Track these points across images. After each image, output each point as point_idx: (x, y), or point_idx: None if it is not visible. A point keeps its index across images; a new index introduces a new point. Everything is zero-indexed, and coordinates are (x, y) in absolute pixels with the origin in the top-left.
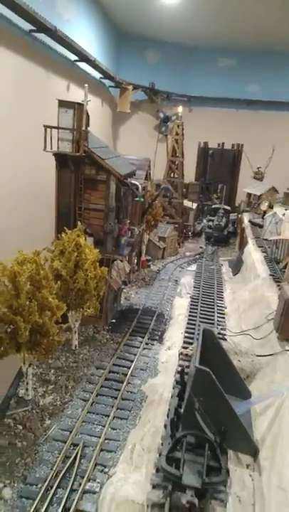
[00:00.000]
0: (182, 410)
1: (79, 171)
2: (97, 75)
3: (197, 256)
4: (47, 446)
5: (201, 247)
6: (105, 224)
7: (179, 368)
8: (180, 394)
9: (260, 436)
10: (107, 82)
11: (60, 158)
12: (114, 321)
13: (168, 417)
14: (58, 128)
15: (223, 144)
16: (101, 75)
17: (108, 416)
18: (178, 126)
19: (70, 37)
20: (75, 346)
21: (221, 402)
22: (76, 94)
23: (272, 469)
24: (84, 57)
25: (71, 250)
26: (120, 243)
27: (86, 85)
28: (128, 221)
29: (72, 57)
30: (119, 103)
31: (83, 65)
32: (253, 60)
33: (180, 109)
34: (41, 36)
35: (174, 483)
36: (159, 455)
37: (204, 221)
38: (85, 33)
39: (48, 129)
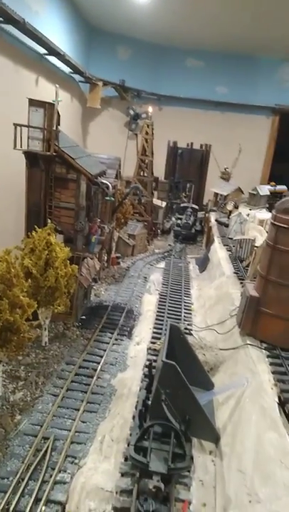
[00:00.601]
0: (150, 402)
1: (49, 170)
2: (66, 69)
3: (166, 253)
4: (18, 440)
5: (169, 245)
6: (76, 222)
7: (147, 363)
8: (148, 387)
9: (221, 425)
10: (76, 77)
11: (31, 157)
12: (84, 317)
13: (136, 408)
14: (28, 126)
15: (192, 143)
16: (71, 70)
17: (78, 410)
18: (148, 125)
19: (39, 30)
20: (45, 343)
21: (185, 393)
22: (45, 88)
23: (232, 454)
24: (53, 51)
25: (42, 248)
26: (91, 241)
27: (57, 85)
28: (98, 220)
29: (42, 50)
30: (89, 98)
31: (53, 59)
32: (221, 63)
33: (150, 108)
34: (9, 28)
35: (142, 470)
36: (128, 445)
37: (173, 219)
38: (54, 27)
39: (18, 127)
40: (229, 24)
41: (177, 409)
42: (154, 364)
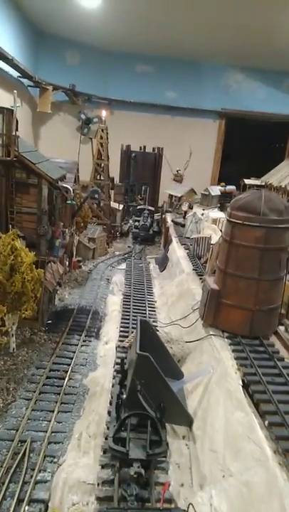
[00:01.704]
0: (125, 395)
1: (9, 175)
2: (14, 73)
3: (126, 255)
4: None
5: (129, 247)
6: (39, 227)
7: (118, 360)
8: (121, 382)
9: (192, 411)
10: (25, 81)
11: None
12: (50, 321)
13: (111, 404)
14: None
15: (144, 147)
16: (19, 74)
17: (53, 411)
18: (102, 130)
19: None
20: (13, 349)
21: (159, 382)
22: None
23: (204, 436)
24: (1, 55)
25: (7, 254)
26: (54, 245)
27: (15, 91)
28: (62, 224)
29: None
30: (39, 103)
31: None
32: (169, 68)
33: (103, 113)
34: None
35: (121, 460)
36: (106, 438)
37: (130, 221)
38: (0, 30)
39: None
40: (176, 31)
41: (152, 398)
42: (124, 360)
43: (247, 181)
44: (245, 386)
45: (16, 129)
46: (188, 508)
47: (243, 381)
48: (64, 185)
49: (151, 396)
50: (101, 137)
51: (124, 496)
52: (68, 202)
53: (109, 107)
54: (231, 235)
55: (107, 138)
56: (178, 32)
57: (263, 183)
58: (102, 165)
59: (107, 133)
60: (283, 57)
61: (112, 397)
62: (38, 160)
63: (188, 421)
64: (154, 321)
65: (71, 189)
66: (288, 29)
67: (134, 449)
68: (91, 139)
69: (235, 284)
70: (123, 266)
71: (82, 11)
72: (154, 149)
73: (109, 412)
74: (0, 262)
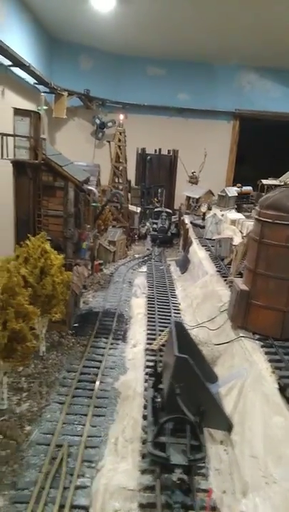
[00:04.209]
0: (160, 398)
1: (37, 179)
2: (31, 80)
3: (146, 258)
4: (31, 451)
5: (148, 249)
6: (65, 230)
7: (148, 363)
8: (155, 385)
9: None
10: (41, 87)
11: (18, 166)
12: (76, 324)
13: (145, 407)
14: (14, 136)
15: (160, 149)
16: (35, 81)
17: (86, 415)
18: (120, 133)
19: (2, 41)
20: (43, 352)
21: (198, 385)
22: (11, 99)
23: (243, 442)
24: (18, 62)
25: (37, 257)
26: (81, 248)
27: (43, 94)
28: (88, 226)
29: (6, 62)
30: (54, 109)
31: (17, 70)
32: (182, 71)
33: (121, 116)
34: None
35: (162, 465)
36: (143, 443)
37: (147, 224)
38: (15, 38)
39: (4, 137)
40: (189, 34)
41: (190, 401)
42: (158, 363)
43: (265, 181)
44: (281, 390)
45: (43, 132)
46: None
47: (278, 384)
48: (89, 187)
49: (189, 399)
50: (119, 140)
51: (169, 503)
52: (93, 204)
53: (123, 111)
54: (261, 234)
55: (125, 141)
56: (190, 33)
57: (283, 183)
58: (120, 168)
59: (125, 136)
60: None
61: (146, 401)
62: (63, 163)
63: (227, 426)
64: None
65: (96, 191)
66: None
67: (175, 454)
68: (109, 142)
69: (266, 284)
70: (144, 268)
71: (95, 16)
72: (168, 152)
73: (144, 416)
74: (30, 264)
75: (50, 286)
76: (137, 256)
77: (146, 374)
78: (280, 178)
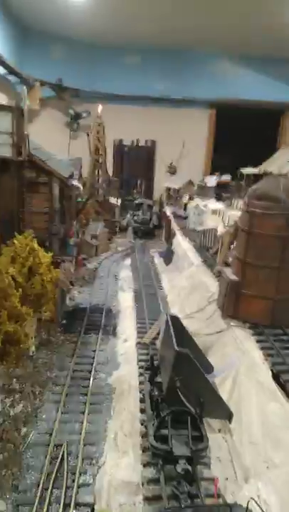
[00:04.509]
0: (157, 392)
1: (19, 175)
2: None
3: (128, 250)
4: (30, 452)
5: (130, 242)
6: (50, 226)
7: (141, 357)
8: (151, 379)
9: None
10: (12, 78)
11: (0, 164)
12: (64, 322)
13: (142, 401)
14: None
15: (137, 140)
16: (6, 71)
17: (83, 413)
18: (99, 124)
19: None
20: (33, 352)
21: (199, 377)
22: None
23: (240, 429)
24: None
25: (25, 255)
26: (68, 244)
27: (24, 87)
28: (75, 222)
29: None
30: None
31: None
32: (157, 59)
33: (100, 107)
34: None
35: (164, 458)
36: (142, 436)
37: (128, 216)
38: None
39: None
40: (164, 19)
41: (190, 393)
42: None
43: (244, 171)
44: (275, 376)
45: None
46: (248, 503)
47: (271, 371)
48: (74, 182)
49: (189, 391)
50: (97, 132)
51: (176, 493)
52: (79, 199)
53: (98, 101)
54: (250, 224)
55: (104, 133)
56: (166, 21)
57: (262, 172)
58: (100, 160)
59: (104, 127)
60: (272, 42)
61: (143, 395)
62: (46, 157)
63: (227, 415)
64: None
65: (81, 187)
66: (276, 14)
67: (178, 446)
68: (88, 134)
69: (256, 273)
70: (128, 261)
71: (67, 4)
72: (146, 142)
73: (142, 410)
74: (18, 264)
75: (40, 285)
76: (120, 249)
77: (141, 368)
78: (259, 167)
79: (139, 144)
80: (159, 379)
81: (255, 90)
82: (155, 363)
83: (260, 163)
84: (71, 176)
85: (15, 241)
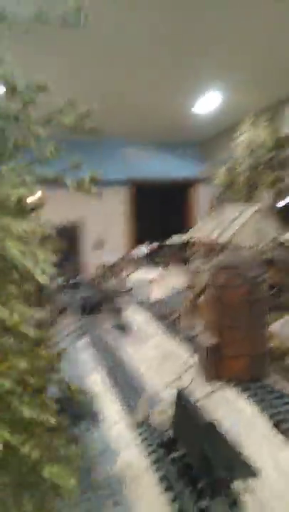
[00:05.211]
0: (181, 465)
1: None
2: None
3: (80, 330)
4: None
5: (79, 319)
6: None
7: (141, 437)
8: (167, 454)
9: None
10: None
11: None
12: None
13: (161, 480)
14: None
15: (65, 223)
16: None
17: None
18: None
19: None
20: None
21: (225, 444)
22: None
23: (263, 485)
24: None
25: None
26: None
27: None
28: None
29: None
30: None
31: None
32: (76, 149)
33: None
34: None
35: None
36: None
37: (64, 297)
38: None
39: None
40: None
41: (220, 461)
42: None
43: (171, 240)
44: (277, 426)
45: None
46: None
47: (272, 422)
48: None
49: (218, 459)
50: None
51: None
52: None
53: None
54: (219, 297)
55: None
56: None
57: (189, 239)
58: None
59: None
60: (171, 131)
61: (163, 473)
62: None
63: (253, 472)
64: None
65: None
66: (166, 107)
67: None
68: None
69: (233, 335)
70: (84, 341)
71: None
72: (70, 224)
73: (167, 488)
74: None
75: None
76: (69, 331)
77: (150, 445)
78: (185, 235)
79: (64, 226)
80: (178, 453)
81: (160, 169)
82: (170, 436)
83: (180, 230)
84: None
85: None
